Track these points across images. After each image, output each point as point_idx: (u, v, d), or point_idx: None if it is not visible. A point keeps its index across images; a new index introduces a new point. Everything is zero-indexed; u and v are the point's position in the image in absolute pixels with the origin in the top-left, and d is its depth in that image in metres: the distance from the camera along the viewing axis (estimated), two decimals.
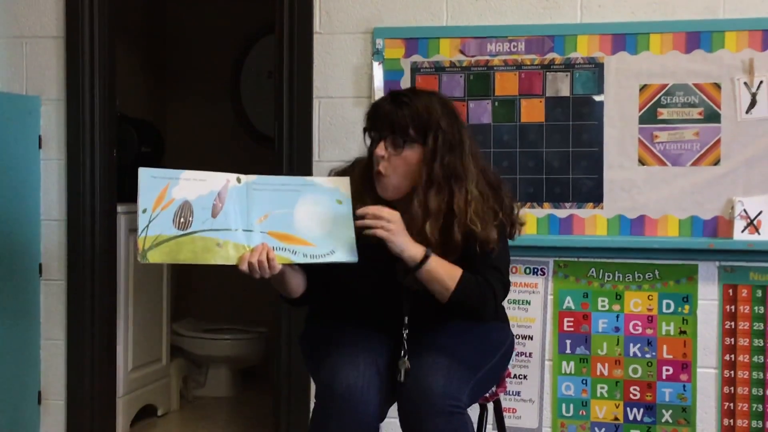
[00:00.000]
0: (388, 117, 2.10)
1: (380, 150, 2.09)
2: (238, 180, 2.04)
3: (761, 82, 2.87)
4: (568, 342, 3.02)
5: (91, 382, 3.36)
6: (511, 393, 3.05)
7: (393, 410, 2.09)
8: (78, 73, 3.31)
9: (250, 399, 4.41)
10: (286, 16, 3.15)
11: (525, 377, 3.05)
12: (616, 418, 3.00)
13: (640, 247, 2.92)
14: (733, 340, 2.92)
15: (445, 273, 2.06)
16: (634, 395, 2.98)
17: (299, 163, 3.12)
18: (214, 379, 4.48)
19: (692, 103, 2.91)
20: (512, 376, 3.03)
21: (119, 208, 3.56)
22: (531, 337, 3.04)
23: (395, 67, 3.06)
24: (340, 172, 2.22)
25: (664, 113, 2.93)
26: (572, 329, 3.01)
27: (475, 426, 2.11)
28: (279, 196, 2.05)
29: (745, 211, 2.85)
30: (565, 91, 2.99)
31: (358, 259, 2.05)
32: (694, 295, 2.94)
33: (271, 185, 2.06)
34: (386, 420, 2.09)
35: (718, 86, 2.90)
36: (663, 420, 2.97)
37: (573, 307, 3.01)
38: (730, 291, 2.92)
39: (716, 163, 2.90)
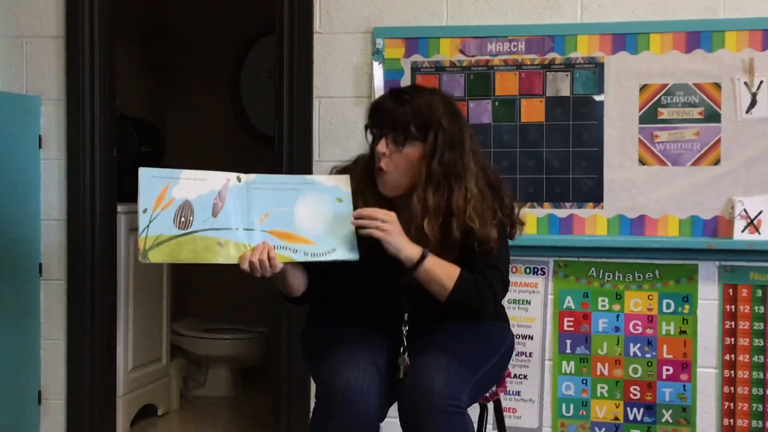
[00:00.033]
0: (390, 114, 2.10)
1: (381, 147, 2.10)
2: (238, 179, 2.04)
3: (761, 81, 2.87)
4: (568, 342, 3.02)
5: (91, 382, 3.36)
6: (511, 393, 3.05)
7: (393, 410, 2.09)
8: (78, 72, 3.31)
9: (250, 399, 4.41)
10: (287, 15, 3.15)
11: (525, 377, 3.05)
12: (617, 418, 3.00)
13: (641, 246, 2.92)
14: (733, 339, 2.92)
15: (443, 272, 2.06)
16: (635, 395, 2.98)
17: (299, 163, 3.12)
18: (214, 379, 4.48)
19: (692, 103, 2.91)
20: (512, 375, 3.03)
21: (119, 208, 3.56)
22: (531, 337, 3.04)
23: (395, 66, 3.06)
24: (342, 170, 2.22)
25: (664, 113, 2.93)
26: (572, 329, 3.01)
27: (475, 426, 2.10)
28: (279, 194, 2.05)
29: (745, 210, 2.85)
30: (565, 91, 2.99)
31: (359, 257, 2.05)
32: (694, 295, 2.94)
33: (271, 184, 2.06)
34: (386, 420, 2.09)
35: (718, 86, 2.90)
36: (663, 420, 2.97)
37: (573, 307, 3.01)
38: (730, 291, 2.92)
39: (716, 162, 2.90)
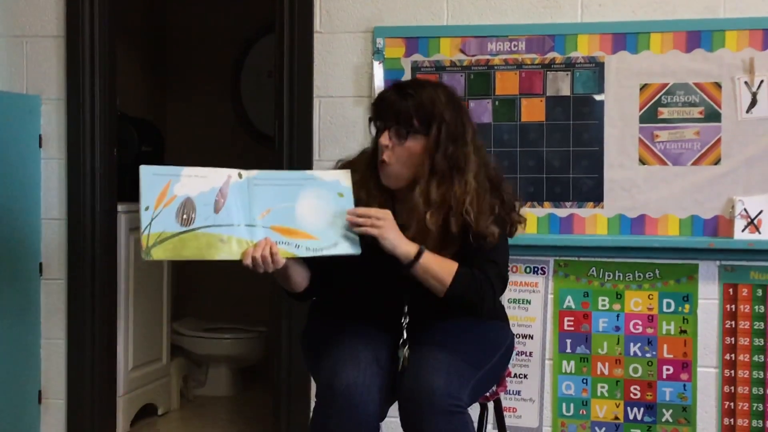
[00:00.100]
0: (393, 107, 2.11)
1: (384, 139, 2.11)
2: (240, 175, 2.04)
3: (762, 81, 2.87)
4: (568, 341, 3.02)
5: (91, 382, 3.36)
6: (511, 392, 3.05)
7: (393, 410, 2.09)
8: (78, 72, 3.31)
9: (251, 398, 4.41)
10: (287, 15, 3.15)
11: (525, 376, 3.05)
12: (617, 418, 3.00)
13: (641, 246, 2.92)
14: (733, 339, 2.92)
15: (441, 268, 2.06)
16: (635, 394, 2.98)
17: (299, 163, 3.12)
18: (215, 379, 4.48)
19: (693, 103, 2.91)
20: (512, 375, 3.03)
21: (119, 208, 3.56)
22: (531, 337, 3.04)
23: (396, 66, 3.06)
24: (346, 164, 2.24)
25: (664, 112, 2.93)
26: (572, 328, 3.01)
27: (476, 425, 2.11)
28: (280, 190, 2.06)
29: (745, 210, 2.85)
30: (565, 91, 2.99)
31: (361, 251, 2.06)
32: (694, 295, 2.94)
33: (272, 180, 2.07)
34: (386, 419, 2.09)
35: (718, 85, 2.90)
36: (663, 419, 2.97)
37: (573, 307, 3.01)
38: (731, 290, 2.92)
39: (717, 162, 2.90)
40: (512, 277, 2.95)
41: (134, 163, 3.28)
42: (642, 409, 2.98)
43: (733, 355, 2.93)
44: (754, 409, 2.92)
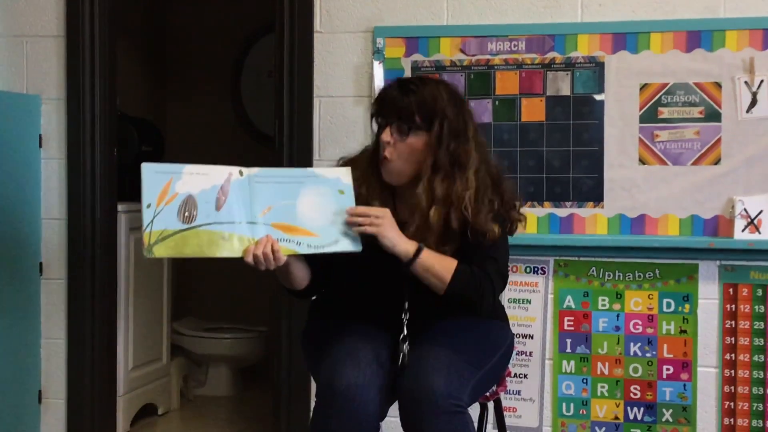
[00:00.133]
0: (395, 103, 2.11)
1: (386, 136, 2.11)
2: (241, 173, 2.04)
3: (762, 81, 2.87)
4: (568, 341, 3.02)
5: (91, 381, 3.36)
6: (511, 392, 3.05)
7: (393, 409, 2.09)
8: (78, 72, 3.31)
9: (251, 398, 4.41)
10: (287, 15, 3.15)
11: (525, 376, 3.05)
12: (617, 418, 3.00)
13: (641, 246, 2.92)
14: (733, 339, 2.92)
15: (440, 266, 2.07)
16: (635, 394, 2.98)
17: (300, 163, 3.12)
18: (215, 378, 4.48)
19: (693, 102, 2.91)
20: (513, 375, 3.03)
21: (120, 207, 3.55)
22: (531, 336, 3.04)
23: (396, 66, 3.06)
24: (349, 161, 2.24)
25: (664, 112, 2.93)
26: (573, 328, 3.01)
27: (476, 425, 2.11)
28: (281, 188, 2.06)
29: (745, 210, 2.85)
30: (565, 91, 2.99)
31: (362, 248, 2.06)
32: (694, 294, 2.94)
33: (273, 177, 2.07)
34: (387, 419, 2.09)
35: (718, 85, 2.90)
36: (663, 419, 2.97)
37: (573, 306, 3.01)
38: (731, 290, 2.92)
39: (717, 162, 2.91)
40: (512, 277, 2.95)
41: (134, 163, 3.30)
42: (642, 409, 2.98)
43: (733, 355, 2.93)
44: (754, 408, 2.92)
